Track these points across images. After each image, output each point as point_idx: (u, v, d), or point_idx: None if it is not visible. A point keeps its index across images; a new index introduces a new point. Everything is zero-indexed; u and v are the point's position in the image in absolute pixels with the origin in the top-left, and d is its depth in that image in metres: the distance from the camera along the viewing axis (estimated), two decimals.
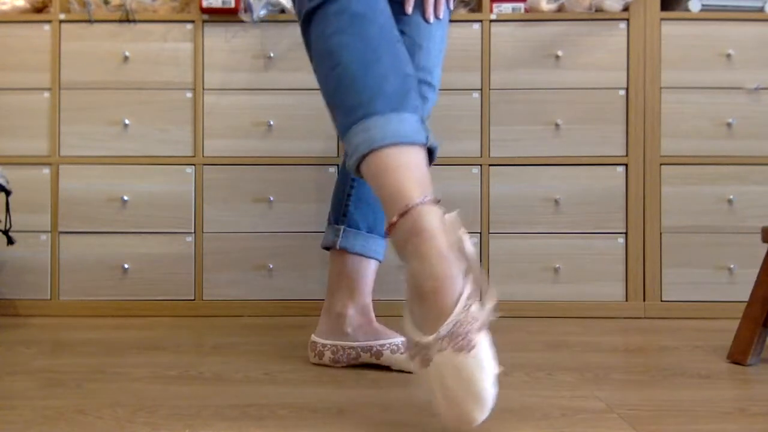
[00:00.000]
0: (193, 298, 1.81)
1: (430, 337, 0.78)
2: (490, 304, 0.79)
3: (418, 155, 0.89)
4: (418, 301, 0.82)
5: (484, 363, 0.75)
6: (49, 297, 1.81)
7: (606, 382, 1.13)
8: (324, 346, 1.21)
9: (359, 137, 0.89)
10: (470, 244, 0.83)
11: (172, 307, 1.80)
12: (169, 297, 1.81)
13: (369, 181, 0.91)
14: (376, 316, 1.23)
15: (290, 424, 0.91)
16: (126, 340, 1.48)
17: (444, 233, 0.82)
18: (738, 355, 1.26)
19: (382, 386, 1.10)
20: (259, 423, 0.91)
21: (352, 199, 1.24)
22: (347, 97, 0.92)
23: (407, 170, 0.87)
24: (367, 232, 1.22)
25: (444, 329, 0.77)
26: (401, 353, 1.15)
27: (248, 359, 1.29)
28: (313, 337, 1.23)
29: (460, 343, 0.75)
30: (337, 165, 1.80)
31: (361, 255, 1.22)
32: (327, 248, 1.26)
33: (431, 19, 1.19)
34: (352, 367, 1.21)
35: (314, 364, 1.22)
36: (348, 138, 0.91)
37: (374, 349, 1.17)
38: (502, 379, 1.13)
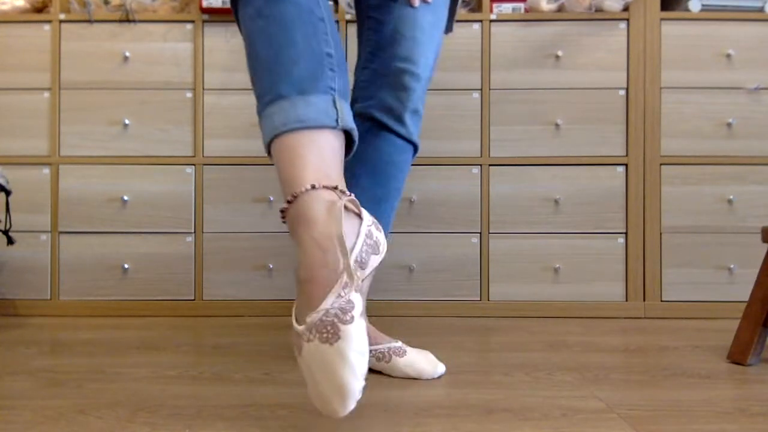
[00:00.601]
0: (193, 298, 1.81)
1: (301, 326, 0.77)
2: (358, 298, 0.77)
3: (325, 138, 0.86)
4: (298, 288, 0.80)
5: (349, 356, 0.73)
6: (49, 297, 1.81)
7: (606, 382, 1.13)
8: None
9: (266, 122, 0.88)
10: (358, 235, 0.83)
11: (172, 307, 1.80)
12: (169, 297, 1.81)
13: (276, 167, 0.88)
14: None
15: (290, 424, 0.91)
16: (126, 340, 1.48)
17: (325, 222, 0.80)
18: (738, 355, 1.26)
19: (382, 386, 1.10)
20: (259, 423, 0.91)
21: None
22: (260, 83, 0.90)
23: (305, 156, 0.84)
24: None
25: (311, 319, 0.76)
26: (386, 361, 1.14)
27: (248, 359, 1.29)
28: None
29: (325, 334, 0.74)
30: None
31: None
32: None
33: (416, 3, 1.13)
34: None
35: None
36: (260, 124, 0.90)
37: None
38: (502, 379, 1.14)
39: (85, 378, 1.15)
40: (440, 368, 1.15)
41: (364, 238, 0.84)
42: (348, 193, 0.84)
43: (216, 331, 1.60)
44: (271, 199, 1.81)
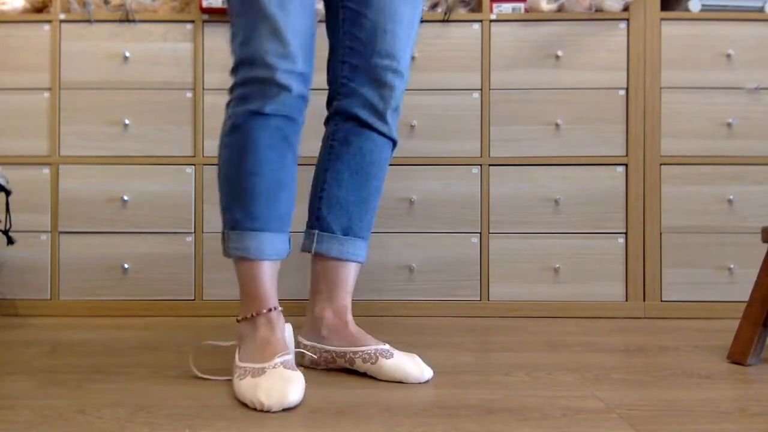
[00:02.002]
0: (193, 298, 1.81)
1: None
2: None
3: (278, 264, 1.16)
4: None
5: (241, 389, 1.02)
6: (49, 297, 1.81)
7: (606, 382, 1.13)
8: (305, 347, 1.21)
9: (251, 242, 1.11)
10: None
11: (172, 307, 1.80)
12: (169, 297, 1.81)
13: (240, 274, 1.14)
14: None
15: (290, 424, 0.91)
16: (126, 340, 1.48)
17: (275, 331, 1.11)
18: (738, 355, 1.26)
19: (382, 386, 1.10)
20: (259, 423, 0.91)
21: (324, 202, 1.22)
22: (254, 205, 1.11)
23: (270, 279, 1.14)
24: (343, 235, 1.20)
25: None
26: (372, 363, 1.13)
27: None
28: (298, 337, 1.24)
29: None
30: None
31: (339, 259, 1.20)
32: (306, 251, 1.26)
33: None
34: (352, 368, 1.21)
35: (298, 364, 1.21)
36: (238, 234, 1.12)
37: (347, 356, 1.16)
38: (502, 379, 1.14)
39: (85, 378, 1.15)
40: (427, 373, 1.13)
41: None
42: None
43: (216, 331, 1.60)
44: None
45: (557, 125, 1.82)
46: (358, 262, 1.23)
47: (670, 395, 1.06)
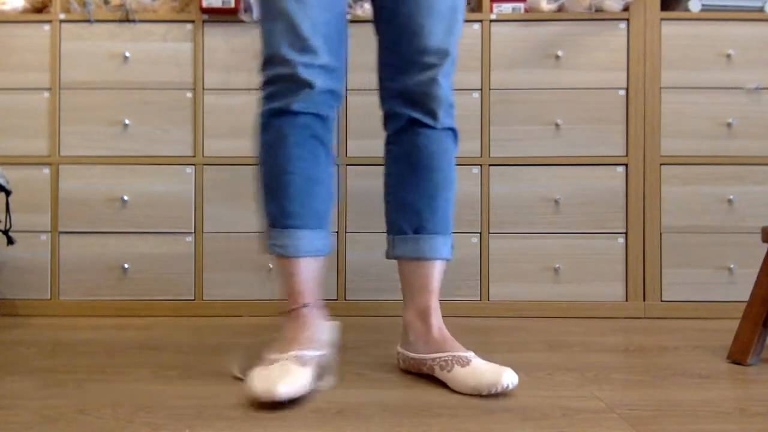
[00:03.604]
0: (193, 298, 1.81)
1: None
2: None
3: (319, 261, 1.16)
4: None
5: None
6: (49, 297, 1.81)
7: (606, 382, 1.13)
8: (399, 354, 1.20)
9: (289, 239, 1.12)
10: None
11: (172, 307, 1.80)
12: (169, 297, 1.81)
13: (280, 271, 1.15)
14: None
15: (290, 424, 0.91)
16: (126, 340, 1.48)
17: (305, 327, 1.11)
18: (738, 355, 1.26)
19: (382, 386, 1.10)
20: (259, 423, 0.91)
21: (392, 206, 1.21)
22: (289, 203, 1.11)
23: (309, 276, 1.14)
24: (415, 234, 1.18)
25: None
26: (448, 371, 1.07)
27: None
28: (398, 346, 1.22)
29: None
30: (337, 165, 1.80)
31: (415, 259, 1.18)
32: (389, 259, 1.24)
33: None
34: (353, 368, 1.21)
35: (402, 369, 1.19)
36: (277, 231, 1.13)
37: (428, 363, 1.12)
38: None
39: (85, 378, 1.15)
40: (507, 380, 1.01)
41: None
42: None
43: (216, 331, 1.60)
44: None
45: (557, 125, 1.82)
46: (437, 259, 1.18)
47: (670, 395, 1.06)
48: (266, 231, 1.15)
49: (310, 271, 1.14)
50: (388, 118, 1.21)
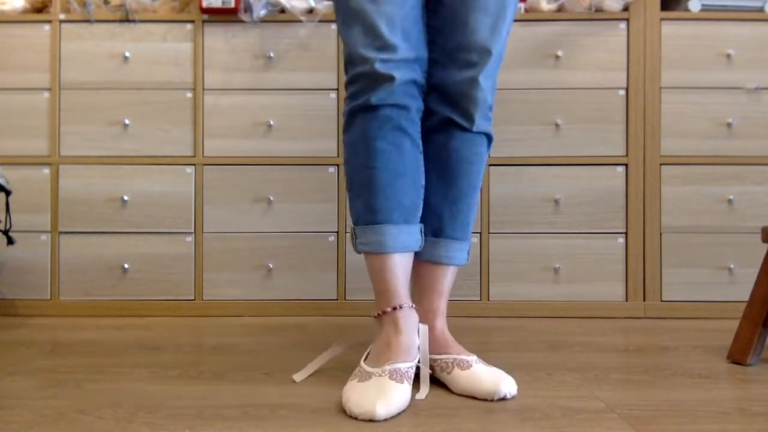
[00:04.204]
0: (193, 298, 1.81)
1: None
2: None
3: (409, 258, 1.12)
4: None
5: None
6: (49, 297, 1.81)
7: (606, 382, 1.13)
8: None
9: (374, 236, 1.09)
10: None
11: (172, 307, 1.80)
12: (169, 297, 1.81)
13: (369, 270, 1.12)
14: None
15: (290, 424, 0.91)
16: (126, 340, 1.48)
17: (398, 334, 1.06)
18: (738, 355, 1.26)
19: None
20: (259, 423, 0.91)
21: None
22: (373, 197, 1.08)
23: (399, 275, 1.09)
24: (434, 237, 1.16)
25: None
26: (447, 373, 1.07)
27: (248, 359, 1.29)
28: None
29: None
30: (337, 165, 1.80)
31: (430, 261, 1.16)
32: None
33: None
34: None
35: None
36: (362, 228, 1.10)
37: (428, 363, 1.10)
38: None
39: (85, 378, 1.15)
40: (506, 388, 1.02)
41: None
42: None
43: (216, 331, 1.60)
44: (271, 199, 1.81)
45: (557, 125, 1.82)
46: (452, 265, 1.17)
47: (670, 395, 1.06)
48: (354, 230, 1.12)
49: (400, 269, 1.09)
50: (425, 114, 1.16)
